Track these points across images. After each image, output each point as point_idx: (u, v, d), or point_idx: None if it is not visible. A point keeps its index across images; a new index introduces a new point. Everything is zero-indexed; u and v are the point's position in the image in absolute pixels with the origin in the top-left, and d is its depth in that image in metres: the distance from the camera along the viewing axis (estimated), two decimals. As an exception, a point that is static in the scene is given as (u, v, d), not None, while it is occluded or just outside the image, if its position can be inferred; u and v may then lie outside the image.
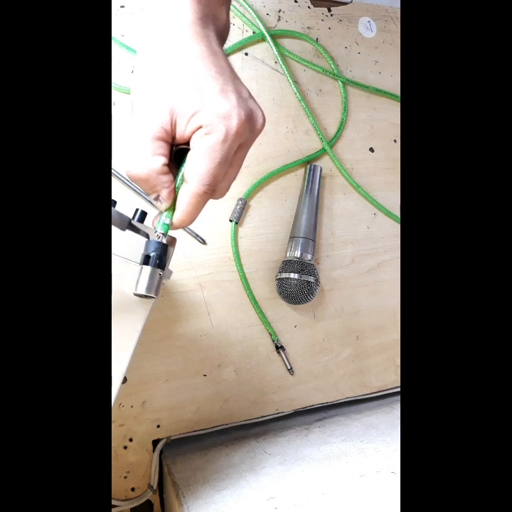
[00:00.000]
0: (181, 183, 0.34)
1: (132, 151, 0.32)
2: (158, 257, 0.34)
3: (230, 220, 0.61)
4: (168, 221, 0.34)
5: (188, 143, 0.33)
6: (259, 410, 0.60)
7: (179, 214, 0.34)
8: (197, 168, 0.32)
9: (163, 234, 0.34)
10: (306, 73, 0.68)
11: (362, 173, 0.69)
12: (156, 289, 0.34)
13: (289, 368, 0.62)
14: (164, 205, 0.34)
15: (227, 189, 0.36)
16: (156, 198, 0.34)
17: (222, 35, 0.38)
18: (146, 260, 0.34)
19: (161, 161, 0.33)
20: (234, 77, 0.34)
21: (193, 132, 0.32)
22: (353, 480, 0.48)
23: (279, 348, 0.61)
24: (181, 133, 0.33)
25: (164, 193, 0.34)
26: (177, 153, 0.34)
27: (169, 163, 0.33)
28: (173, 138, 0.33)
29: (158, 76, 0.33)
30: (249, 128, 0.34)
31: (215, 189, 0.33)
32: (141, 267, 0.34)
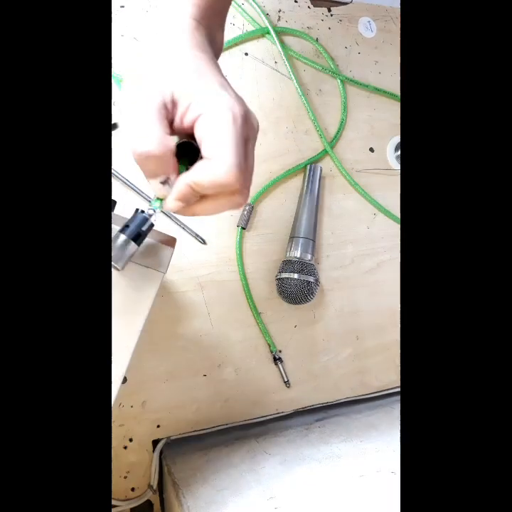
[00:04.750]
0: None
1: (144, 128, 0.30)
2: (136, 229, 0.32)
3: (238, 226, 0.61)
4: (158, 204, 0.32)
5: (188, 136, 0.32)
6: (259, 410, 0.60)
7: (201, 206, 0.32)
8: (219, 147, 0.30)
9: (154, 211, 0.33)
10: (306, 73, 0.68)
11: (362, 173, 0.69)
12: (123, 261, 0.32)
13: (286, 380, 0.61)
14: (169, 189, 0.32)
15: (249, 187, 0.34)
16: (165, 181, 0.31)
17: (218, 54, 0.39)
18: (122, 229, 0.32)
19: (174, 140, 0.31)
20: (229, 83, 0.34)
21: (194, 120, 0.31)
22: (353, 480, 0.48)
23: (276, 359, 0.61)
24: (180, 117, 0.32)
25: (174, 176, 0.31)
26: (179, 147, 0.33)
27: None
28: (171, 121, 0.32)
29: (162, 62, 0.32)
30: (251, 123, 0.33)
31: (244, 177, 0.31)
32: (116, 234, 0.32)
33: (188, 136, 0.33)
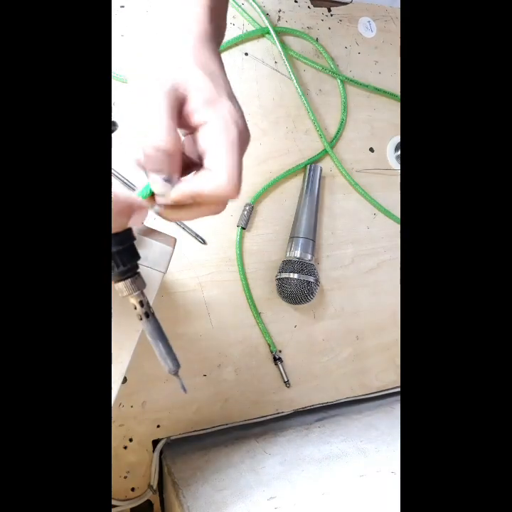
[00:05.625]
0: None
1: (159, 121, 0.29)
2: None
3: (238, 226, 0.61)
4: (145, 194, 0.32)
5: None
6: (259, 410, 0.61)
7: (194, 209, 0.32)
8: (223, 161, 0.30)
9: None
10: (306, 73, 0.68)
11: (362, 173, 0.69)
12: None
13: (286, 380, 0.61)
14: (168, 187, 0.31)
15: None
16: (169, 179, 0.31)
17: (219, 43, 0.39)
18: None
19: (181, 141, 0.31)
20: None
21: (198, 125, 0.31)
22: (353, 480, 0.48)
23: (276, 359, 0.61)
24: (185, 116, 0.31)
25: (177, 176, 0.31)
26: None
27: None
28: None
29: (175, 54, 0.32)
30: (248, 134, 0.33)
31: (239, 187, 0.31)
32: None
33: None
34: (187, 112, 0.31)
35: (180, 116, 0.31)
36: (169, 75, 0.31)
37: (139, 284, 0.32)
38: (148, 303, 0.32)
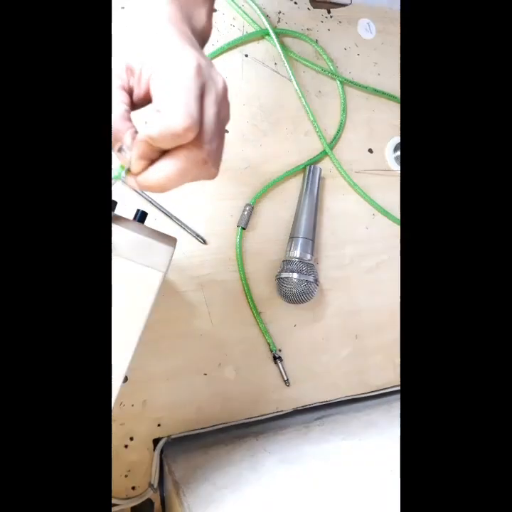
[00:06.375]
0: None
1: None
2: None
3: (238, 226, 0.61)
4: (117, 173, 0.31)
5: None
6: (260, 409, 0.61)
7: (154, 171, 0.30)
8: (166, 97, 0.29)
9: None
10: (306, 74, 0.69)
11: (361, 174, 0.70)
12: None
13: (286, 379, 0.62)
14: (128, 154, 0.31)
15: (218, 151, 0.32)
16: (120, 149, 0.31)
17: (201, 36, 0.39)
18: None
19: (123, 107, 0.31)
20: (197, 47, 0.33)
21: (148, 82, 0.31)
22: (353, 478, 0.49)
23: (276, 358, 0.61)
24: (137, 82, 0.32)
25: (128, 138, 0.31)
26: None
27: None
28: (131, 90, 0.32)
29: (128, 35, 0.33)
30: (209, 76, 0.31)
31: (200, 132, 0.29)
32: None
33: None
34: (137, 78, 0.32)
35: (131, 87, 0.32)
36: (117, 51, 0.32)
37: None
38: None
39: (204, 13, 0.39)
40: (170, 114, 0.29)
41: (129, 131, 0.31)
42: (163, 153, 0.31)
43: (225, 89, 0.33)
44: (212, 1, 0.41)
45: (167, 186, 0.31)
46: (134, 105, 0.33)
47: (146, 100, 0.33)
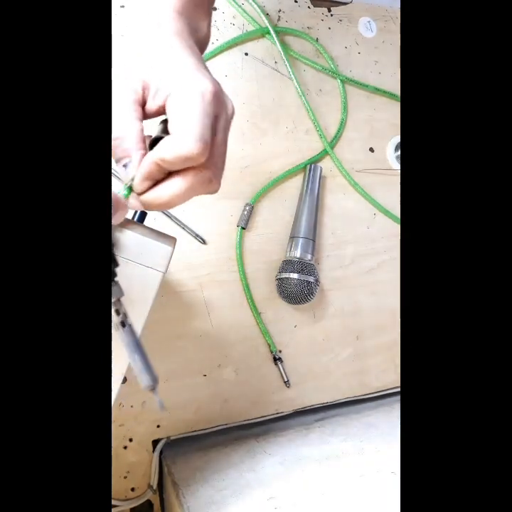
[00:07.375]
0: None
1: (114, 113, 0.31)
2: None
3: (238, 226, 0.61)
4: (125, 192, 0.31)
5: (163, 131, 0.33)
6: (259, 410, 0.61)
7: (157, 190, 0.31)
8: (183, 121, 0.30)
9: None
10: (306, 73, 0.69)
11: (362, 173, 0.69)
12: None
13: (286, 380, 0.61)
14: (131, 172, 0.31)
15: (220, 167, 0.33)
16: (125, 164, 0.31)
17: (202, 45, 0.40)
18: None
19: (138, 126, 0.32)
20: (206, 66, 0.34)
21: (164, 100, 0.32)
22: (353, 480, 0.48)
23: (276, 359, 0.61)
24: (152, 100, 0.32)
25: (136, 156, 0.31)
26: (154, 142, 0.32)
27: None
28: (144, 103, 0.33)
29: (140, 50, 0.33)
30: (222, 101, 0.32)
31: (209, 155, 0.30)
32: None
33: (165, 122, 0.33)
34: (152, 96, 0.32)
35: (144, 103, 0.32)
36: (131, 66, 0.33)
37: (116, 291, 0.31)
38: (125, 313, 0.31)
39: (206, 25, 0.41)
40: (185, 138, 0.29)
41: (140, 152, 0.31)
42: (169, 174, 0.32)
43: (233, 114, 0.34)
44: (211, 13, 0.43)
45: (172, 204, 0.32)
46: (144, 116, 0.34)
47: (157, 114, 0.33)
